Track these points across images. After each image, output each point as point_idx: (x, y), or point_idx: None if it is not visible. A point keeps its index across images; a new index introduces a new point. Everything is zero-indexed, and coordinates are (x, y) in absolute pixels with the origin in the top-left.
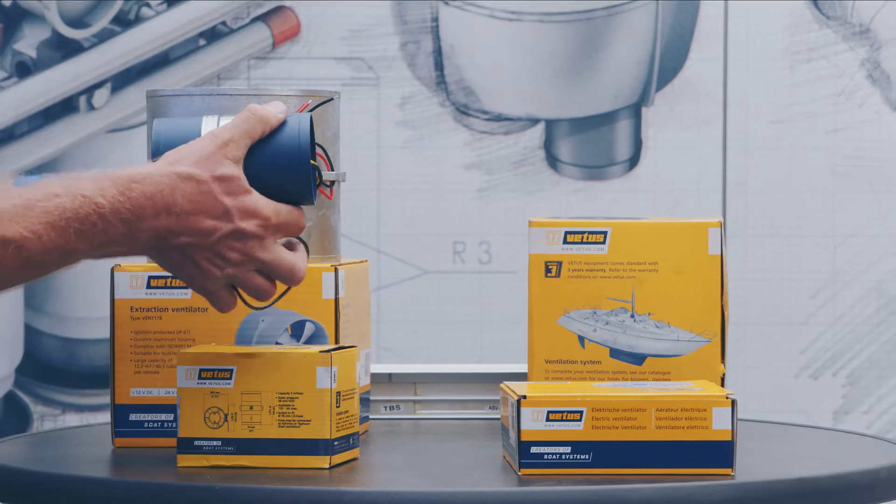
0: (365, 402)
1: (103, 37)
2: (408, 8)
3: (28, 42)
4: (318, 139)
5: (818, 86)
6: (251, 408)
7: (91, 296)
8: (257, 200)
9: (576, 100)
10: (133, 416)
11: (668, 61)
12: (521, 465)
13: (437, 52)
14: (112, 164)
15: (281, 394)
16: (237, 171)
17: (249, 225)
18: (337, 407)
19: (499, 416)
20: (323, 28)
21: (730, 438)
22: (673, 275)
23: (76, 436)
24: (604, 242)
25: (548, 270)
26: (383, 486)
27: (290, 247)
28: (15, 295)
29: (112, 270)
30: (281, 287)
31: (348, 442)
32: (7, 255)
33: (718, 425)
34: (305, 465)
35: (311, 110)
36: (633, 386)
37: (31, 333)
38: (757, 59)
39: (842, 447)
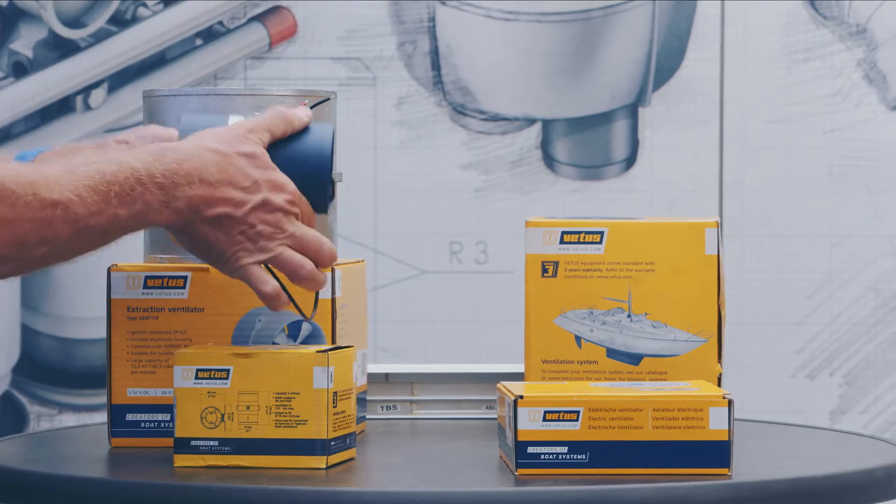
0: (361, 402)
1: (100, 37)
2: (404, 8)
3: (24, 42)
4: None
5: (815, 86)
6: (248, 408)
7: (87, 296)
8: (282, 176)
9: (572, 100)
10: (130, 416)
11: (665, 61)
12: (518, 465)
13: (434, 52)
14: None
15: (278, 394)
16: (261, 150)
17: (277, 198)
18: (334, 407)
19: (496, 416)
20: (320, 28)
21: (726, 438)
22: (670, 275)
23: (73, 436)
24: (600, 242)
25: (544, 270)
26: (380, 486)
27: None
28: (11, 294)
29: (109, 270)
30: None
31: (345, 442)
32: (56, 218)
33: (715, 425)
34: (302, 466)
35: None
36: (629, 386)
37: (27, 333)
38: (753, 59)
39: (838, 447)
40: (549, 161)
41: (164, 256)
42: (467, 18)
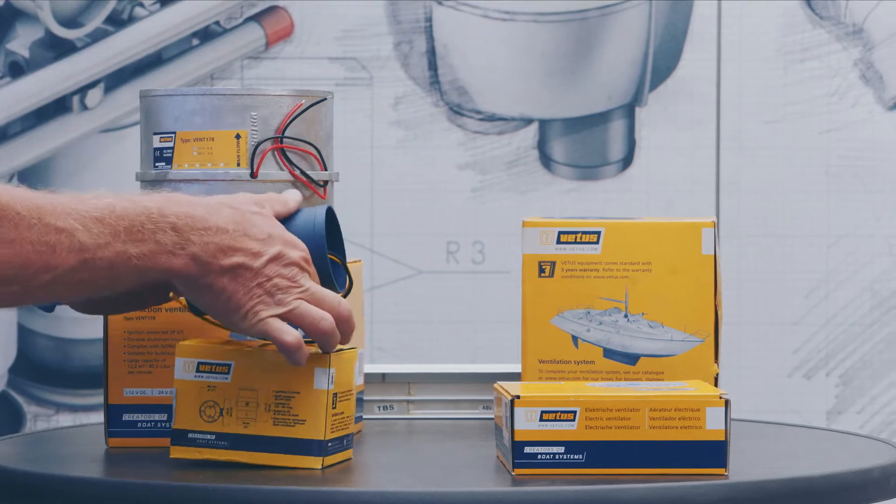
0: (359, 401)
1: (96, 36)
2: (401, 8)
3: (21, 42)
4: (311, 139)
5: (811, 86)
6: (247, 404)
7: None
8: (295, 237)
9: (569, 100)
10: (126, 416)
11: (662, 61)
12: (515, 465)
13: (431, 52)
14: (105, 165)
15: (278, 392)
16: (271, 213)
17: (293, 253)
18: (333, 408)
19: (492, 416)
20: (316, 28)
21: (723, 438)
22: (666, 275)
23: (69, 436)
24: (597, 242)
25: (541, 270)
26: (377, 486)
27: None
28: None
29: None
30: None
31: (342, 443)
32: (60, 244)
33: (712, 425)
34: (298, 465)
35: (304, 111)
36: (626, 386)
37: (24, 333)
38: (750, 59)
39: (835, 447)
40: (546, 161)
41: None
42: (464, 18)
